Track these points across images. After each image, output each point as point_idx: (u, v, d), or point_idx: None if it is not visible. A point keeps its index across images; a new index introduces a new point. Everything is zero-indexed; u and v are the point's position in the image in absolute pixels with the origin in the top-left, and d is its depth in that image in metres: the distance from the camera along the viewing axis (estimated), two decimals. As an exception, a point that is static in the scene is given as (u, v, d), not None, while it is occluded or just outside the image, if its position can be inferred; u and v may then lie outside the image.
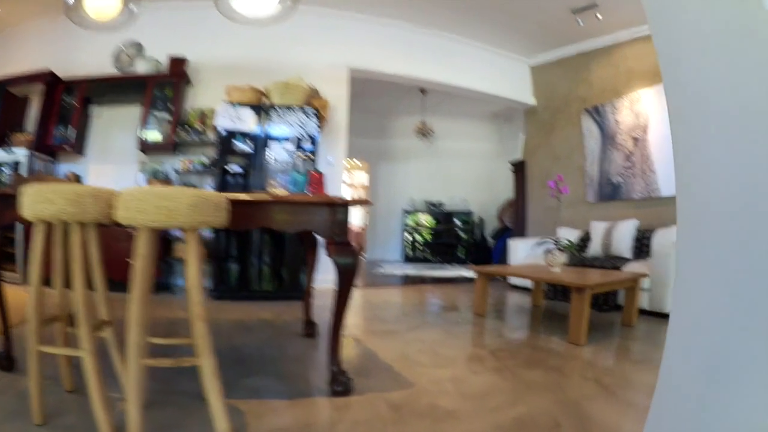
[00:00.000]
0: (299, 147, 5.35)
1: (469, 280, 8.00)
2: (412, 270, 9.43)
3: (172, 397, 2.20)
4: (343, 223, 2.39)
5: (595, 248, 6.02)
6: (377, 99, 10.32)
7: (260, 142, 5.33)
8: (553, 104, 7.79)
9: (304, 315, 3.65)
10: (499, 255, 10.57)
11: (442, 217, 11.74)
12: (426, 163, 12.07)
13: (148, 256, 1.71)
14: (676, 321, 1.21)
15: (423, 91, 9.61)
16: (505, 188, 11.32)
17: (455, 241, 11.60)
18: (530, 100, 8.10)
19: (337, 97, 6.44)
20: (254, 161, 5.28)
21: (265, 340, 3.44)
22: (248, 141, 5.30)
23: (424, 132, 10.29)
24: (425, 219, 11.77)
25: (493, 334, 3.92)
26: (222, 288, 5.22)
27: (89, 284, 1.89)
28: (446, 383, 2.57)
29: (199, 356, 1.75)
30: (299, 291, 4.95)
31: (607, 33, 6.71)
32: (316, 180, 2.89)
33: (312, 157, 5.36)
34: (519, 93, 8.02)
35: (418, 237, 11.79)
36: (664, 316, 4.56)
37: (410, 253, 11.77)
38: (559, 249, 4.38)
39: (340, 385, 2.34)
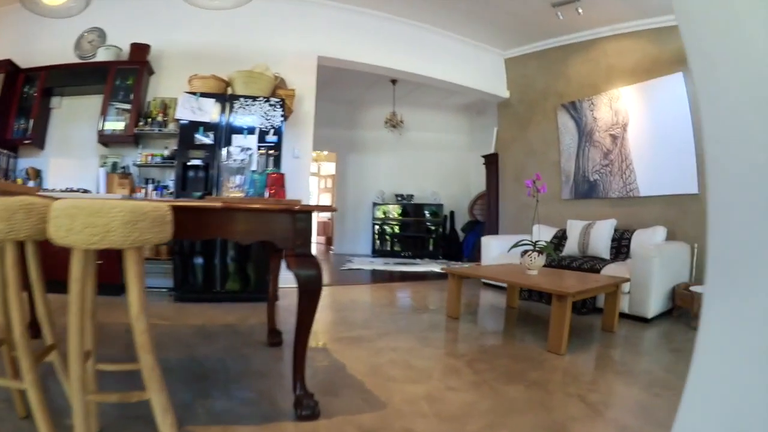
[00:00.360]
0: (263, 140, 5.10)
1: (441, 275, 7.86)
2: (381, 264, 9.23)
3: (129, 423, 1.99)
4: (305, 231, 2.19)
5: (571, 247, 5.93)
6: (347, 89, 10.13)
7: (222, 134, 5.07)
8: (528, 98, 7.67)
9: (269, 323, 3.44)
10: (470, 249, 10.49)
11: (412, 209, 11.56)
12: (396, 154, 11.87)
13: (83, 280, 1.48)
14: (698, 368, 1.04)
15: (393, 81, 9.43)
16: (476, 181, 11.23)
17: (425, 234, 11.44)
18: (504, 93, 7.97)
19: (305, 87, 6.18)
20: (216, 154, 5.02)
21: (229, 349, 3.22)
22: (210, 133, 5.03)
23: (393, 123, 10.10)
24: (395, 211, 11.59)
25: (469, 340, 3.75)
26: (185, 288, 4.96)
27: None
28: (421, 402, 2.40)
29: (148, 390, 1.54)
30: (266, 291, 4.73)
31: (587, 28, 6.59)
32: (276, 181, 2.66)
33: (275, 152, 5.12)
34: (492, 85, 7.87)
35: (387, 230, 11.60)
36: (645, 321, 4.48)
37: (380, 246, 11.58)
38: (537, 251, 4.23)
39: (307, 408, 2.15)
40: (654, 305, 4.49)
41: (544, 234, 6.61)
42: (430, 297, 5.73)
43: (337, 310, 4.83)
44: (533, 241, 4.33)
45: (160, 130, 5.45)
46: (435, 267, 8.99)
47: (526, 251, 4.28)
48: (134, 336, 1.53)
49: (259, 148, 5.09)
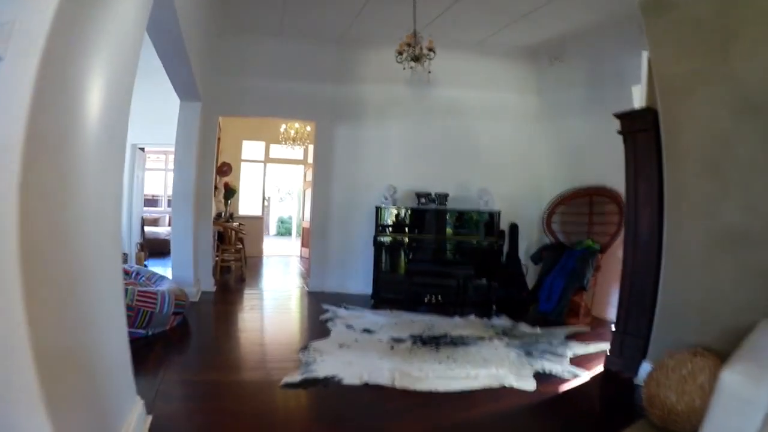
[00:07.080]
0: None
1: (532, 410, 3.15)
2: (386, 347, 4.28)
3: None
4: None
5: None
6: (331, 9, 5.92)
7: None
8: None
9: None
10: (556, 302, 5.65)
11: (444, 219, 6.70)
12: (417, 126, 7.09)
13: None
14: None
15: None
16: (554, 175, 6.76)
17: (466, 263, 6.48)
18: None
19: None
20: None
21: None
22: None
23: (415, 53, 5.04)
24: (413, 223, 6.73)
25: None
26: None
27: None
28: None
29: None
30: None
31: None
32: None
33: None
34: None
35: (401, 254, 6.66)
36: None
37: (385, 284, 6.54)
38: None
39: None
40: None
41: None
42: None
43: None
44: None
45: None
46: (499, 349, 4.24)
47: None
48: None
49: None
